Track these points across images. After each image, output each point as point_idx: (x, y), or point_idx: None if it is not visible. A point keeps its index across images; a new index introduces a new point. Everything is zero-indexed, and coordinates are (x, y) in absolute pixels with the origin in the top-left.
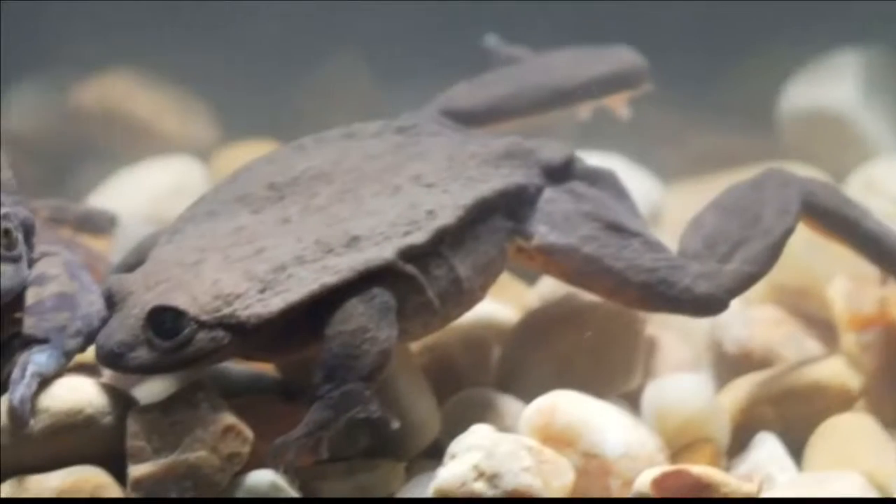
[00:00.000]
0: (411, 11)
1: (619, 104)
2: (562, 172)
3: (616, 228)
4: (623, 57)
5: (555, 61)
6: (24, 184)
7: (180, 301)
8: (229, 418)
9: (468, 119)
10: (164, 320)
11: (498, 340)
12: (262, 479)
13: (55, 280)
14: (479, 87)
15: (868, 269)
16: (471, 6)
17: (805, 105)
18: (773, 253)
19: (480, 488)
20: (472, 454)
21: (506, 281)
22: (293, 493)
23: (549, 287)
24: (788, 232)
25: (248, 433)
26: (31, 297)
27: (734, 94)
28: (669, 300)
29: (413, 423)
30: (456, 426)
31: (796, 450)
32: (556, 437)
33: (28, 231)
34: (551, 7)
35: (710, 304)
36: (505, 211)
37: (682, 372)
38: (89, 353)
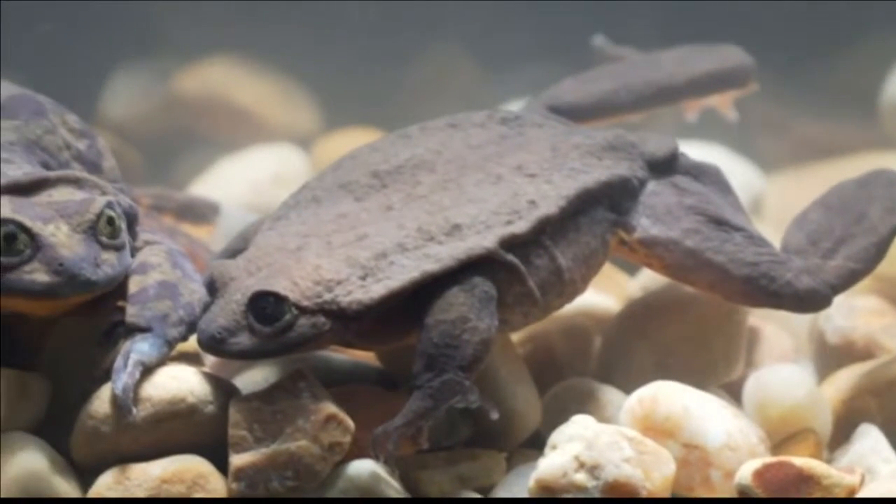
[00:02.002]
0: (513, 0)
1: (725, 104)
2: (665, 166)
3: (719, 222)
4: (730, 55)
5: (661, 59)
6: (126, 172)
7: (281, 287)
8: (331, 407)
9: (573, 114)
10: (265, 306)
11: (599, 330)
12: (363, 468)
13: (157, 268)
14: (584, 83)
15: None
16: None
17: None
18: (878, 251)
19: (581, 479)
20: (572, 445)
21: (607, 271)
22: (394, 483)
23: (651, 277)
24: (894, 230)
25: (349, 423)
26: (133, 285)
27: (836, 82)
28: (771, 295)
29: (514, 412)
30: (557, 416)
31: None
32: (657, 428)
33: (131, 219)
34: (653, 1)
35: (811, 300)
36: (607, 203)
37: (783, 362)
38: (191, 342)
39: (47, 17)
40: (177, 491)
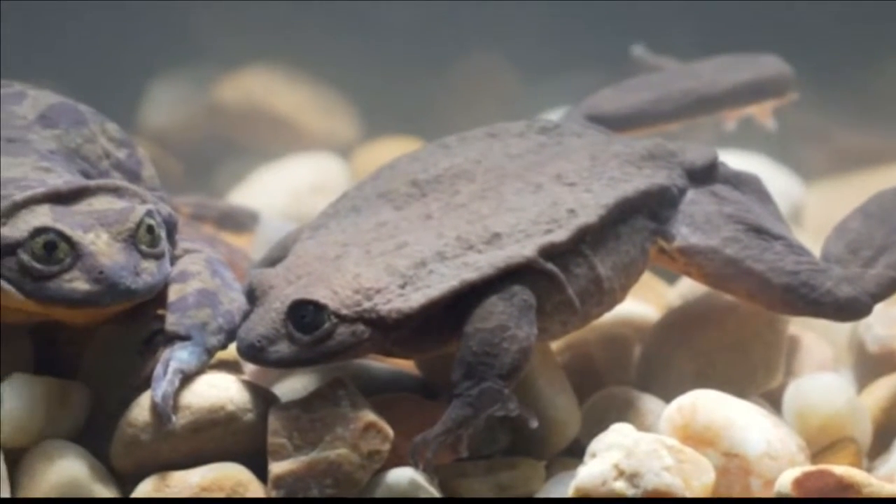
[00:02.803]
0: (551, 8)
1: (764, 114)
2: (705, 175)
3: (758, 231)
4: (769, 65)
5: (700, 68)
6: (165, 180)
7: (321, 295)
8: (370, 416)
9: (612, 124)
10: (304, 314)
11: (638, 339)
12: (402, 476)
13: (197, 277)
14: (623, 93)
15: None
16: (613, 5)
17: None
18: None
19: (621, 487)
20: (612, 453)
21: (646, 280)
22: (433, 491)
23: (690, 285)
24: None
25: (389, 431)
26: (173, 293)
27: (877, 91)
28: (811, 303)
29: (553, 421)
30: (596, 425)
31: None
32: (697, 437)
33: (170, 228)
34: (692, 10)
35: (852, 308)
36: (647, 212)
37: (823, 371)
38: (231, 351)
39: (86, 25)
40: None
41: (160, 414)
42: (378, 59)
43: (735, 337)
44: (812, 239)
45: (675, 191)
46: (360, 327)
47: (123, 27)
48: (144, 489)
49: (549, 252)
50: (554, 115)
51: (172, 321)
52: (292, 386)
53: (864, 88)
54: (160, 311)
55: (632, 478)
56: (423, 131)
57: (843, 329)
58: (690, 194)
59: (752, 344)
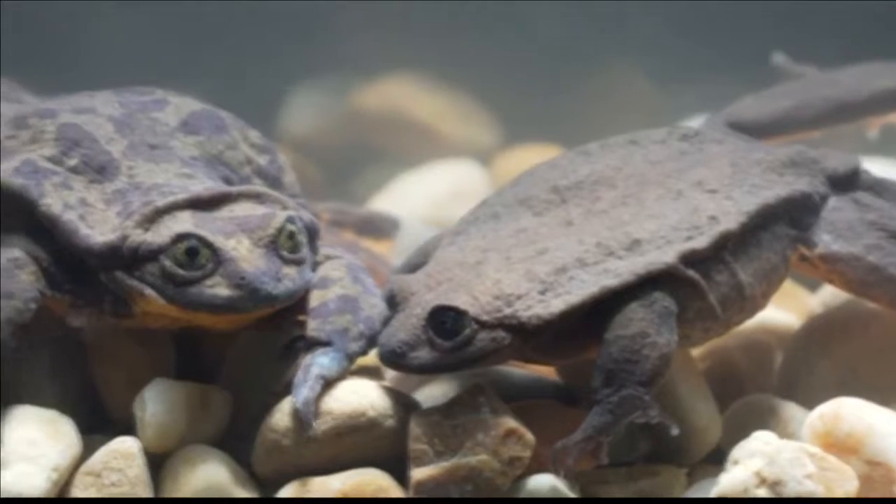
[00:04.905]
0: (691, 16)
1: None
2: (847, 182)
3: None
4: None
5: (842, 76)
6: (306, 187)
7: (461, 301)
8: (510, 422)
9: (753, 131)
10: (445, 320)
11: (780, 346)
12: (543, 483)
13: (338, 283)
14: (764, 100)
15: None
16: (753, 12)
17: None
18: None
19: (763, 494)
20: (754, 460)
21: (788, 287)
22: (574, 498)
23: (832, 293)
24: None
25: (530, 437)
26: (314, 299)
27: None
28: None
29: (694, 428)
30: (738, 432)
31: None
32: (840, 445)
33: (312, 234)
34: (831, 17)
35: None
36: (788, 219)
37: None
38: (372, 356)
39: (228, 33)
40: None
41: (302, 419)
42: (518, 66)
43: (878, 345)
44: None
45: (817, 198)
46: (501, 333)
47: (265, 34)
48: (286, 494)
49: (690, 259)
50: (694, 123)
51: (314, 327)
52: (432, 392)
53: None
54: (301, 317)
55: (774, 485)
56: (562, 138)
57: None
58: (832, 201)
59: (895, 352)
